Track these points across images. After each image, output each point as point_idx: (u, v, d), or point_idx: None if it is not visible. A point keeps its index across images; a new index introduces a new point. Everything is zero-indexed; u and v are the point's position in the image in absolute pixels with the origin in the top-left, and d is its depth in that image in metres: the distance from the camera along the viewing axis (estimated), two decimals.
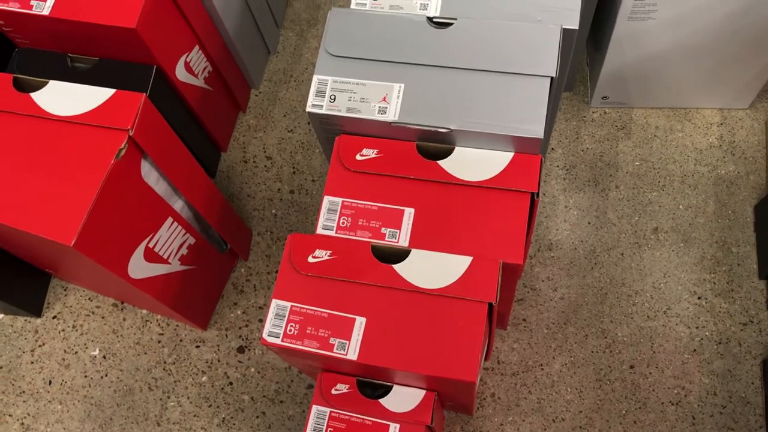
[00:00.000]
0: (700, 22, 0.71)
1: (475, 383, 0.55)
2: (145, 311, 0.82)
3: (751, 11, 0.69)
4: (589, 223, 0.82)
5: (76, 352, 0.81)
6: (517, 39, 0.59)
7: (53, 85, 0.59)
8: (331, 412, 0.60)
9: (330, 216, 0.60)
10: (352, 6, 0.63)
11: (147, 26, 0.66)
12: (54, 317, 0.82)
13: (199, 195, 0.70)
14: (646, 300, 0.78)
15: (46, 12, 0.66)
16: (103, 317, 0.82)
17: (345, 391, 0.60)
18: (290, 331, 0.56)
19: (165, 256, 0.67)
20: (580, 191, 0.84)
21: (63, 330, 0.82)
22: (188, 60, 0.75)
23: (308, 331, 0.56)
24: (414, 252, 0.57)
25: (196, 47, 0.76)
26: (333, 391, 0.60)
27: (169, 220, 0.66)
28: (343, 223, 0.59)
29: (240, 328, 0.81)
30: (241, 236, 0.82)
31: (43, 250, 0.64)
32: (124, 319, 0.81)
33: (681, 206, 0.82)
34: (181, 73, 0.75)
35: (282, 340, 0.56)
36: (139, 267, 0.64)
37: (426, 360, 0.54)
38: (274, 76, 0.93)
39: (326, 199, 0.60)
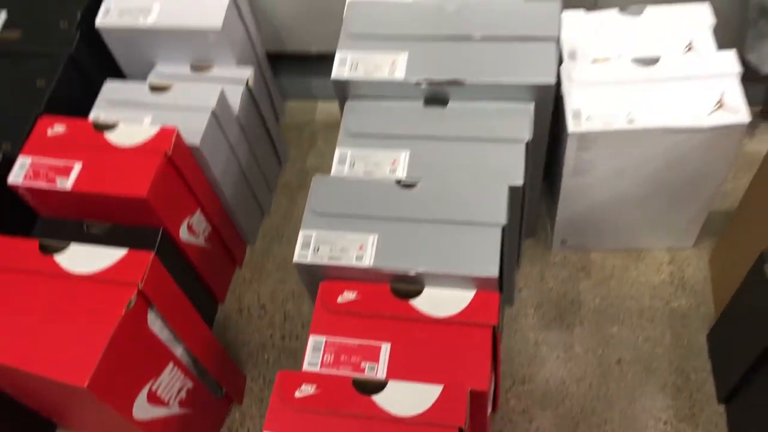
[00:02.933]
0: (633, 176, 0.83)
1: None
2: None
3: (673, 167, 0.80)
4: (557, 356, 0.89)
5: None
6: (470, 196, 0.69)
7: (74, 247, 0.68)
8: None
9: (315, 354, 0.67)
10: (333, 173, 0.74)
11: (156, 195, 0.76)
12: None
13: (197, 342, 0.77)
14: (615, 427, 0.83)
15: (68, 187, 0.77)
16: None
17: None
18: None
19: (166, 400, 0.74)
20: (547, 328, 0.91)
21: None
22: (190, 222, 0.86)
23: None
24: (391, 383, 0.64)
25: (198, 211, 0.87)
26: None
27: (171, 365, 0.73)
28: (326, 359, 0.66)
29: None
30: (236, 381, 0.88)
31: (55, 395, 0.70)
32: None
33: (640, 338, 0.89)
34: (184, 234, 0.84)
35: None
36: (143, 409, 0.70)
37: None
38: (267, 234, 1.03)
39: (311, 338, 0.68)
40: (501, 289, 0.68)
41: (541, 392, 0.87)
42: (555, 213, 0.91)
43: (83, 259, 0.67)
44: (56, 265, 0.67)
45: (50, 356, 0.63)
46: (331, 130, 1.11)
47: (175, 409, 0.76)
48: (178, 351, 0.75)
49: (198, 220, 0.87)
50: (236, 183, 0.94)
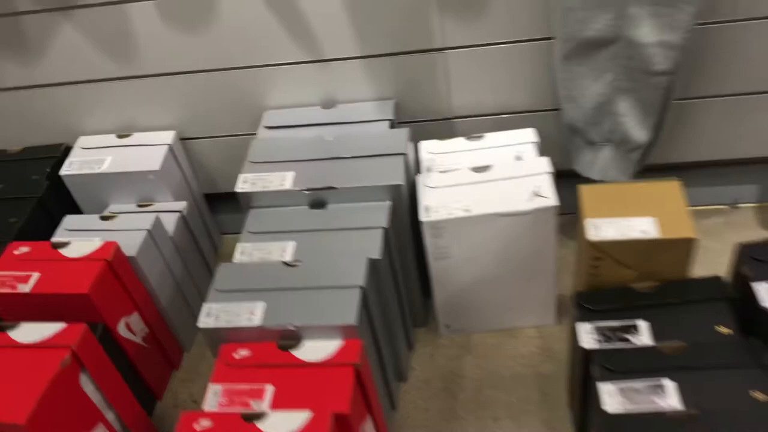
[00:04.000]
0: (483, 259, 1.03)
1: None
2: None
3: (510, 249, 1.01)
4: (443, 419, 1.03)
5: None
6: (338, 267, 0.89)
7: (24, 324, 0.86)
8: None
9: (213, 399, 0.83)
10: (234, 260, 0.94)
11: (96, 293, 0.95)
12: None
13: (128, 414, 0.93)
14: None
15: (27, 290, 0.97)
16: None
17: None
18: None
19: None
20: (435, 397, 1.07)
21: None
22: (128, 322, 1.04)
23: None
24: (271, 413, 0.79)
25: (136, 313, 1.05)
26: None
27: (101, 425, 0.88)
28: (222, 402, 0.82)
29: None
30: None
31: None
32: None
33: (514, 399, 1.05)
34: (122, 331, 1.02)
35: None
36: None
37: None
38: (202, 342, 1.20)
39: (211, 387, 0.84)
40: (378, 343, 0.86)
41: None
42: (434, 301, 1.09)
43: (31, 332, 0.85)
44: (9, 338, 0.85)
45: None
46: None
47: None
48: (109, 416, 0.90)
49: (136, 320, 1.05)
50: (172, 294, 1.13)
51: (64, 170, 1.16)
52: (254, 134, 1.15)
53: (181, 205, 1.16)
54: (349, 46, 1.09)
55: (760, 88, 1.08)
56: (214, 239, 1.31)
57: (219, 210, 1.33)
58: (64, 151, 1.21)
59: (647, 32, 0.94)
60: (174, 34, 1.10)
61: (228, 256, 1.35)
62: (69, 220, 1.12)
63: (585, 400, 0.89)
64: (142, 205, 1.17)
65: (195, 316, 1.20)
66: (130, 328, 1.04)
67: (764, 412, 0.74)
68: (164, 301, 1.11)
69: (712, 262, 0.97)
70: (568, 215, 1.02)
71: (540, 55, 1.07)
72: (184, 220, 1.16)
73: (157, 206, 1.16)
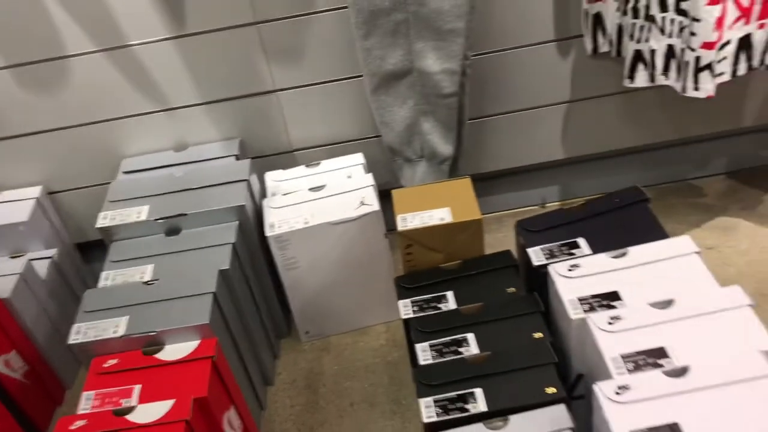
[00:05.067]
0: (328, 265, 1.18)
1: None
2: None
3: (350, 253, 1.17)
4: (307, 411, 1.17)
5: None
6: (193, 279, 1.03)
7: None
8: None
9: (86, 403, 0.93)
10: (99, 286, 1.06)
11: None
12: None
13: None
14: None
15: None
16: None
17: None
18: None
19: None
20: (299, 395, 1.20)
21: None
22: (7, 359, 1.12)
23: None
24: (139, 406, 0.91)
25: (13, 351, 1.14)
26: None
27: None
28: (95, 404, 0.93)
29: None
30: None
31: None
32: None
33: (366, 385, 1.20)
34: (1, 368, 1.10)
35: None
36: None
37: None
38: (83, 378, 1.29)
39: (83, 394, 0.94)
40: (237, 347, 0.99)
41: None
42: (291, 310, 1.24)
43: None
44: None
45: None
46: None
47: None
48: None
49: (15, 358, 1.14)
50: (49, 334, 1.22)
51: None
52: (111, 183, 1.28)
53: (52, 252, 1.26)
54: (192, 94, 1.25)
55: (537, 103, 1.32)
56: (89, 286, 1.41)
57: (93, 258, 1.43)
58: None
59: (432, 63, 1.15)
60: (31, 96, 1.22)
61: None
62: None
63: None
64: (15, 256, 1.26)
65: (75, 355, 1.30)
66: (9, 365, 1.12)
67: (541, 347, 0.92)
68: (42, 341, 1.20)
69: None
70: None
71: (357, 90, 1.27)
72: (56, 266, 1.26)
73: (29, 256, 1.26)
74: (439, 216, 1.04)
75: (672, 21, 1.07)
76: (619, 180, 1.33)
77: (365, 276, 1.22)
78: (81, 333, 0.99)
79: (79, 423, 0.90)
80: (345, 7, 1.15)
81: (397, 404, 1.16)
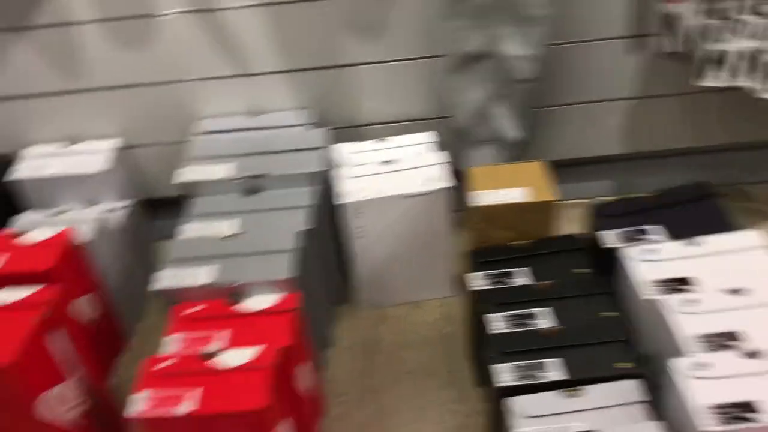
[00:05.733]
0: (394, 236, 1.22)
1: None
2: None
3: (415, 226, 1.21)
4: (364, 376, 1.21)
5: None
6: (274, 237, 1.07)
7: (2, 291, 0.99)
8: None
9: (171, 345, 0.97)
10: (181, 237, 1.10)
11: (57, 271, 1.08)
12: None
13: (91, 376, 1.05)
14: (413, 416, 1.14)
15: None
16: None
17: None
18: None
19: (63, 409, 0.99)
20: (357, 359, 1.24)
21: None
22: (82, 302, 1.16)
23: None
24: (226, 351, 0.95)
25: (90, 294, 1.17)
26: None
27: (68, 382, 1.00)
28: (179, 347, 0.97)
29: None
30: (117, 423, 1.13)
31: None
32: None
33: (422, 355, 1.24)
34: (77, 309, 1.14)
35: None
36: (45, 408, 0.96)
37: None
38: (144, 328, 1.33)
39: (168, 337, 0.98)
40: (307, 307, 1.04)
41: (355, 400, 1.17)
42: (353, 277, 1.28)
43: (8, 295, 0.98)
44: None
45: None
46: None
47: (69, 422, 1.01)
48: (77, 374, 1.02)
49: (89, 302, 1.18)
50: (119, 282, 1.26)
51: (15, 175, 1.28)
52: (189, 141, 1.31)
53: (125, 204, 1.30)
54: (272, 62, 1.29)
55: (603, 97, 1.35)
56: (150, 241, 1.45)
57: (158, 215, 1.47)
58: (10, 160, 1.33)
59: (513, 47, 1.19)
60: (117, 51, 1.26)
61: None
62: (23, 217, 1.24)
63: (480, 340, 1.10)
64: (89, 206, 1.30)
65: (139, 304, 1.34)
66: (82, 308, 1.16)
67: (610, 324, 0.96)
68: (112, 287, 1.24)
69: None
70: (458, 213, 1.23)
71: (429, 70, 1.30)
72: (128, 217, 1.30)
73: (102, 206, 1.29)
74: (516, 195, 1.08)
75: (748, 23, 1.11)
76: (672, 180, 1.36)
77: (427, 250, 1.26)
78: (167, 279, 1.03)
79: (166, 363, 0.94)
80: None
81: (453, 375, 1.20)
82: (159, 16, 1.23)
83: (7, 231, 1.16)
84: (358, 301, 1.32)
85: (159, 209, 1.45)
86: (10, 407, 0.95)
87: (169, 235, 1.48)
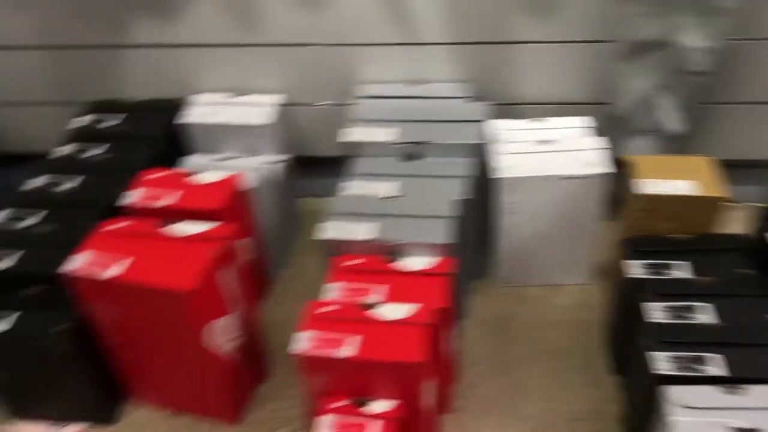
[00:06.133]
0: (544, 216, 1.22)
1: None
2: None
3: (567, 208, 1.21)
4: (499, 351, 1.22)
5: None
6: (434, 203, 1.09)
7: (180, 224, 1.05)
8: None
9: (331, 293, 1.02)
10: (344, 194, 1.14)
11: (226, 211, 1.14)
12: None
13: (251, 309, 1.11)
14: (550, 393, 1.15)
15: (169, 203, 1.15)
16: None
17: None
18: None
19: (225, 339, 1.06)
20: (491, 335, 1.26)
21: None
22: (244, 243, 1.22)
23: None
24: (385, 304, 0.98)
25: (250, 238, 1.24)
26: None
27: (234, 314, 1.06)
28: (339, 295, 1.01)
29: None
30: (265, 362, 1.19)
31: (147, 315, 1.02)
32: None
33: (558, 338, 1.24)
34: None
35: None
36: (210, 337, 1.02)
37: None
38: (286, 275, 1.39)
39: (328, 286, 1.03)
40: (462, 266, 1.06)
41: (488, 371, 1.19)
42: (495, 254, 1.29)
43: (188, 228, 1.04)
44: (168, 232, 1.04)
45: (158, 274, 0.97)
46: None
47: (227, 354, 1.07)
48: (237, 310, 1.08)
49: (248, 244, 1.24)
50: (273, 231, 1.32)
51: (185, 118, 1.35)
52: (348, 104, 1.36)
53: (285, 157, 1.36)
54: (440, 33, 1.30)
55: None
56: (297, 196, 1.51)
57: (305, 172, 1.52)
58: (180, 104, 1.40)
59: (692, 38, 1.16)
60: (292, 10, 1.31)
61: (308, 214, 1.55)
62: (192, 158, 1.31)
63: (626, 327, 1.09)
64: (250, 155, 1.36)
65: (285, 252, 1.40)
66: (243, 249, 1.22)
67: None
68: (265, 234, 1.30)
69: None
70: (611, 200, 1.22)
71: (599, 54, 1.29)
72: (286, 171, 1.36)
73: (262, 158, 1.35)
74: (685, 187, 1.06)
75: None
76: None
77: (575, 234, 1.25)
78: (332, 230, 1.07)
79: (328, 308, 0.99)
80: None
81: (587, 360, 1.20)
82: None
83: (180, 170, 1.24)
84: (496, 277, 1.33)
85: (306, 167, 1.50)
86: (180, 331, 1.01)
87: (314, 192, 1.55)
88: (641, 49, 1.21)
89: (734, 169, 1.42)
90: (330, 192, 1.55)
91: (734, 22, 1.15)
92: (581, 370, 1.19)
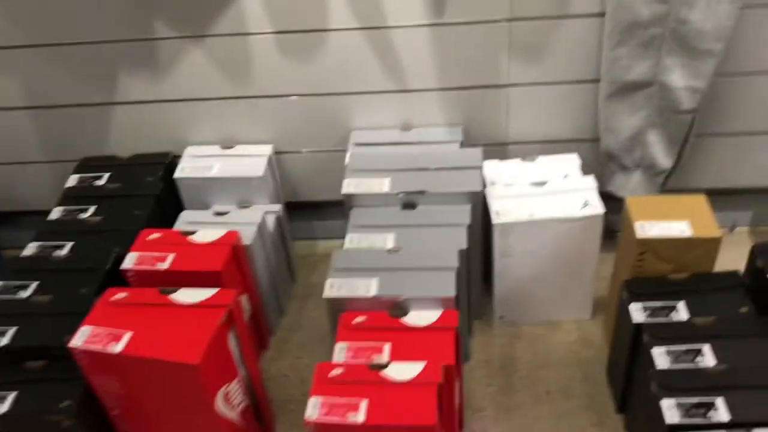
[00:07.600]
0: (540, 258, 1.24)
1: None
2: None
3: (562, 249, 1.23)
4: (503, 393, 1.23)
5: None
6: (435, 254, 1.10)
7: (182, 290, 1.05)
8: None
9: (340, 354, 1.02)
10: (345, 247, 1.14)
11: (225, 272, 1.14)
12: None
13: (253, 373, 1.11)
14: None
15: (165, 268, 1.15)
16: None
17: None
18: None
19: (234, 404, 1.05)
20: (494, 375, 1.27)
21: None
22: (239, 300, 1.22)
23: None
24: (391, 364, 0.99)
25: (246, 295, 1.24)
26: None
27: (238, 378, 1.06)
28: (348, 356, 1.01)
29: None
30: (270, 417, 1.19)
31: (155, 388, 1.01)
32: None
33: (561, 376, 1.25)
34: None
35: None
36: (220, 404, 1.02)
37: None
38: (285, 327, 1.39)
39: (337, 345, 1.03)
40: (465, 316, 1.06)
41: (493, 416, 1.20)
42: (492, 293, 1.30)
43: (190, 296, 1.04)
44: (172, 300, 1.04)
45: (167, 346, 0.96)
46: (328, 259, 1.51)
47: (236, 418, 1.07)
48: (242, 372, 1.08)
49: (244, 301, 1.24)
50: (267, 283, 1.32)
51: (178, 173, 1.35)
52: (340, 151, 1.36)
53: (277, 207, 1.36)
54: (428, 79, 1.31)
55: (755, 129, 1.33)
56: (289, 242, 1.51)
57: (294, 217, 1.53)
58: (172, 158, 1.40)
59: (677, 78, 1.19)
60: (283, 62, 1.31)
61: (301, 258, 1.55)
62: (186, 215, 1.31)
63: (630, 370, 1.10)
64: (242, 207, 1.36)
65: (281, 300, 1.39)
66: (243, 306, 1.22)
67: None
68: (262, 288, 1.30)
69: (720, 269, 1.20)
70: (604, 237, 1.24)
71: (584, 93, 1.31)
72: (278, 221, 1.36)
73: (255, 208, 1.35)
74: (679, 228, 1.08)
75: None
76: None
77: (571, 274, 1.27)
78: (335, 288, 1.07)
79: (337, 371, 0.99)
80: (601, 15, 1.20)
81: (592, 399, 1.21)
82: (331, 30, 1.27)
83: (178, 230, 1.23)
84: (494, 317, 1.34)
85: (299, 210, 1.51)
86: (192, 402, 1.01)
87: (307, 236, 1.55)
88: (631, 88, 1.23)
89: (720, 196, 1.46)
90: (323, 234, 1.57)
91: (719, 63, 1.17)
92: (587, 409, 1.20)
